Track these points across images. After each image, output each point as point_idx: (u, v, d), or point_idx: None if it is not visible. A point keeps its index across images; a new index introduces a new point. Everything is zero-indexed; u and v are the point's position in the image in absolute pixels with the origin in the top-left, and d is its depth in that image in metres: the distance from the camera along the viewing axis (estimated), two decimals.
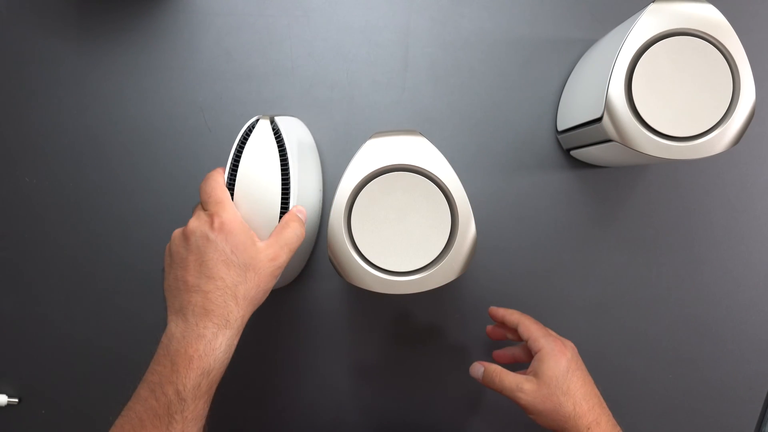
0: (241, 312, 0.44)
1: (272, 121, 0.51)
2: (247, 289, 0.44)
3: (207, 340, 0.42)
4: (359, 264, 0.47)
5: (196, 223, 0.45)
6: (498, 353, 0.58)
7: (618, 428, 0.49)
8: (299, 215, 0.49)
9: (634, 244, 0.61)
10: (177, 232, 0.47)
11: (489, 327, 0.58)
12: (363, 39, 0.61)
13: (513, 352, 0.57)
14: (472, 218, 0.47)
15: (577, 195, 0.61)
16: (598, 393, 0.50)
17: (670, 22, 0.45)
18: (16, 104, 0.63)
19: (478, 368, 0.53)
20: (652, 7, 0.46)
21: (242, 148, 0.50)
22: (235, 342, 0.45)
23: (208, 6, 0.62)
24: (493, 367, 0.51)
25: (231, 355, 0.44)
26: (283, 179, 0.50)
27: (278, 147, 0.50)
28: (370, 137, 0.49)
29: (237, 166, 0.50)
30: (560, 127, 0.59)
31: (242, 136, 0.50)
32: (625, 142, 0.46)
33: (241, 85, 0.61)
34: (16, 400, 0.64)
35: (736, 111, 0.45)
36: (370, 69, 0.61)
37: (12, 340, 0.64)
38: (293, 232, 0.48)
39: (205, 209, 0.47)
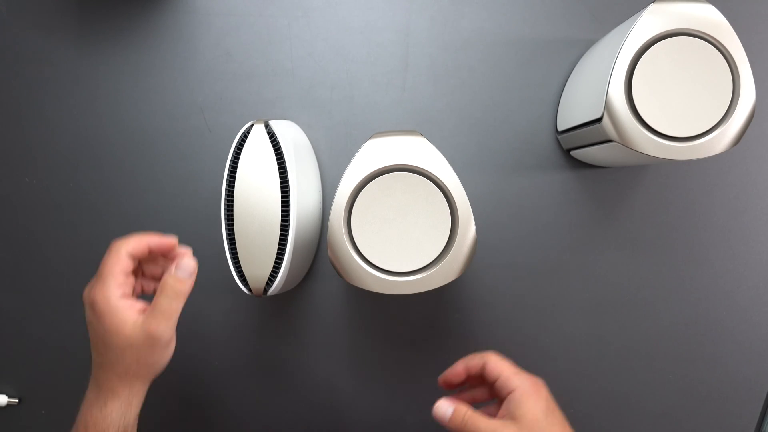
0: (125, 387, 0.45)
1: (267, 126, 0.51)
2: (126, 367, 0.44)
3: (98, 407, 0.44)
4: (359, 264, 0.47)
5: (84, 295, 0.45)
6: (447, 381, 0.52)
7: None
8: (178, 273, 0.45)
9: (634, 244, 0.61)
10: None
11: (441, 378, 0.51)
12: (363, 39, 0.61)
13: (472, 392, 0.51)
14: (472, 218, 0.47)
15: (577, 195, 0.61)
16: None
17: (670, 22, 0.45)
18: (16, 104, 0.63)
19: (445, 408, 0.46)
20: (652, 7, 0.46)
21: (238, 154, 0.50)
22: (129, 411, 0.45)
23: (208, 6, 0.62)
24: (464, 408, 0.45)
25: (130, 422, 0.45)
26: (281, 183, 0.50)
27: (275, 151, 0.50)
28: (370, 137, 0.49)
29: (234, 174, 0.50)
30: (560, 128, 0.59)
31: (238, 142, 0.51)
32: (625, 143, 0.46)
33: (241, 85, 0.61)
34: (16, 400, 0.64)
35: (736, 111, 0.45)
36: (370, 69, 0.61)
37: (12, 340, 0.64)
38: (169, 297, 0.44)
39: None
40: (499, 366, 0.47)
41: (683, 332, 0.61)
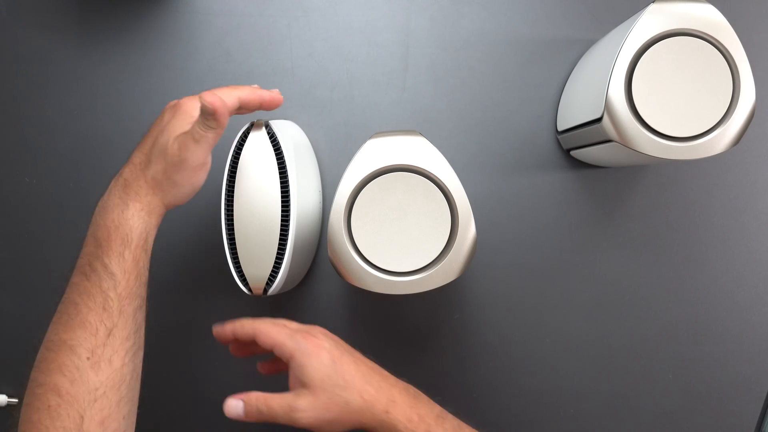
0: (150, 192, 0.44)
1: (267, 125, 0.51)
2: (155, 173, 0.44)
3: (120, 209, 0.43)
4: (359, 264, 0.47)
5: (181, 101, 0.46)
6: (262, 364, 0.51)
7: (420, 395, 0.45)
8: (204, 101, 0.43)
9: (634, 244, 0.61)
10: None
11: (214, 330, 0.48)
12: (363, 39, 0.61)
13: (275, 362, 0.50)
14: (472, 218, 0.47)
15: (577, 195, 0.61)
16: (378, 367, 0.45)
17: (670, 22, 0.45)
18: (16, 104, 0.63)
19: (235, 404, 0.44)
20: (652, 7, 0.46)
21: (238, 154, 0.50)
22: (150, 221, 0.44)
23: (208, 6, 0.62)
24: (253, 396, 0.43)
25: (149, 233, 0.44)
26: (281, 182, 0.50)
27: (275, 151, 0.50)
28: (370, 137, 0.49)
29: (234, 174, 0.50)
30: (560, 128, 0.59)
31: (238, 142, 0.51)
32: (625, 143, 0.46)
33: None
34: (16, 400, 0.64)
35: (736, 111, 0.45)
36: (370, 69, 0.61)
37: (12, 340, 0.64)
38: (202, 128, 0.43)
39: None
40: (270, 334, 0.44)
41: (683, 332, 0.61)
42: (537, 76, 0.61)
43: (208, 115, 0.42)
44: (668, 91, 0.45)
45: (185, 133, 0.44)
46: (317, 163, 0.61)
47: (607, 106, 0.46)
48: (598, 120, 0.47)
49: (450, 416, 0.46)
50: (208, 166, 0.46)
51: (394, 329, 0.63)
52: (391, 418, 0.43)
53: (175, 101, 0.47)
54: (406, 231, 0.47)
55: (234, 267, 0.51)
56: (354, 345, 0.63)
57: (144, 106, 0.62)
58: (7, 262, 0.64)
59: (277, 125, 0.52)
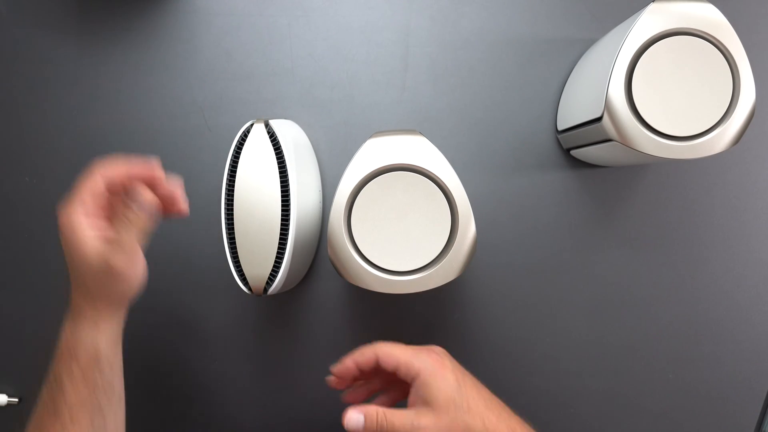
0: (91, 308, 0.44)
1: (267, 125, 0.51)
2: (87, 288, 0.44)
3: (71, 327, 0.44)
4: (359, 264, 0.47)
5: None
6: (352, 395, 0.50)
7: (527, 426, 0.44)
8: (135, 207, 0.43)
9: (634, 244, 0.61)
10: None
11: (332, 378, 0.48)
12: (363, 39, 0.61)
13: (368, 386, 0.50)
14: (472, 218, 0.47)
15: (577, 195, 0.61)
16: (491, 393, 0.45)
17: (670, 21, 0.45)
18: (16, 104, 0.63)
19: (357, 417, 0.43)
20: (652, 6, 0.46)
21: (238, 154, 0.50)
22: (99, 335, 0.44)
23: (208, 6, 0.62)
24: (372, 409, 0.42)
25: (105, 354, 0.44)
26: (281, 182, 0.50)
27: (275, 151, 0.50)
28: (370, 137, 0.49)
29: (234, 173, 0.50)
30: (560, 127, 0.59)
31: (238, 141, 0.51)
32: (625, 142, 0.46)
33: (241, 85, 0.61)
34: (16, 400, 0.64)
35: (736, 111, 0.45)
36: (370, 69, 0.61)
37: (12, 340, 0.64)
38: (125, 231, 0.43)
39: None
40: (393, 354, 0.44)
41: (683, 332, 0.61)
42: (537, 76, 0.61)
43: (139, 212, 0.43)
44: (668, 90, 0.45)
45: (102, 246, 0.43)
46: (317, 163, 0.61)
47: (607, 106, 0.46)
48: (598, 119, 0.47)
49: None
50: (141, 255, 0.45)
51: (394, 329, 0.63)
52: None
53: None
54: (406, 231, 0.47)
55: (234, 266, 0.51)
56: (354, 345, 0.63)
57: (144, 106, 0.62)
58: (7, 262, 0.64)
59: (277, 125, 0.52)
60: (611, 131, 0.46)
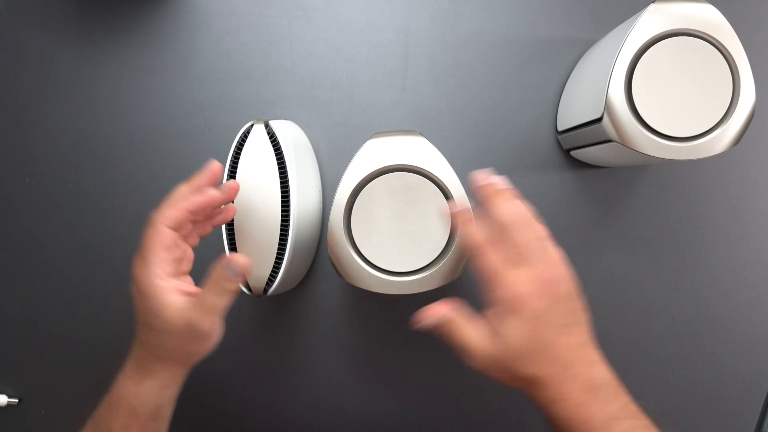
0: (164, 369, 0.43)
1: (267, 125, 0.51)
2: (165, 350, 0.43)
3: (134, 382, 0.43)
4: (359, 264, 0.47)
5: (132, 270, 0.44)
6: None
7: (611, 392, 0.40)
8: (227, 272, 0.42)
9: (634, 244, 0.61)
10: None
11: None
12: (363, 39, 0.61)
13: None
14: (472, 218, 0.47)
15: (577, 195, 0.61)
16: (571, 342, 0.41)
17: (670, 22, 0.45)
18: (16, 104, 0.63)
19: (438, 314, 0.42)
20: (652, 7, 0.46)
21: (239, 154, 0.50)
22: (167, 393, 0.44)
23: (208, 6, 0.62)
24: (457, 321, 0.42)
25: (165, 403, 0.45)
26: (281, 182, 0.50)
27: (275, 151, 0.50)
28: (370, 137, 0.49)
29: (234, 174, 0.50)
30: (560, 128, 0.59)
31: (238, 142, 0.51)
32: (625, 143, 0.46)
33: (241, 85, 0.61)
34: (16, 400, 0.64)
35: (736, 111, 0.45)
36: (370, 69, 0.61)
37: (12, 340, 0.64)
38: (217, 293, 0.42)
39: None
40: (485, 257, 0.41)
41: (683, 332, 0.61)
42: (537, 76, 0.61)
43: (230, 277, 0.42)
44: (668, 91, 0.45)
45: (187, 308, 0.42)
46: (317, 163, 0.61)
47: (607, 106, 0.46)
48: (598, 120, 0.47)
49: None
50: (217, 328, 0.44)
51: (394, 329, 0.63)
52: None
53: (132, 270, 0.43)
54: (407, 231, 0.47)
55: None
56: (353, 345, 0.63)
57: (144, 106, 0.62)
58: (7, 262, 0.64)
59: (277, 125, 0.52)
60: (611, 132, 0.46)
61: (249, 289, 0.52)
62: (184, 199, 0.44)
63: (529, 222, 0.42)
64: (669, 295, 0.61)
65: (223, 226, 0.51)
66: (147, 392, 0.43)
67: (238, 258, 0.42)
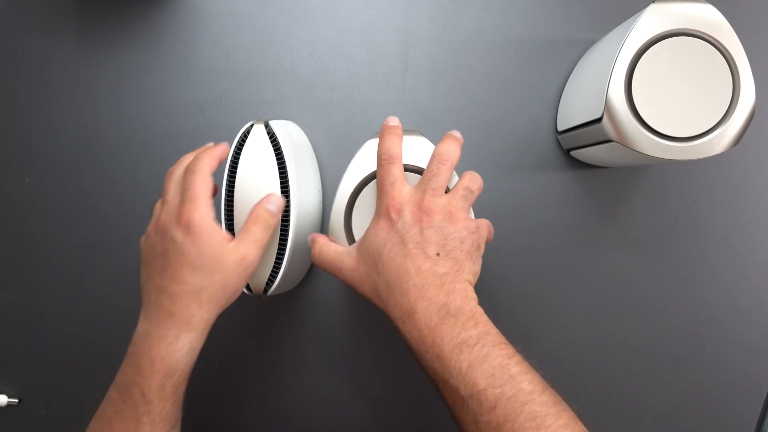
0: (205, 315, 0.43)
1: (267, 126, 0.51)
2: (212, 292, 0.43)
3: (168, 341, 0.42)
4: None
5: (165, 219, 0.44)
6: None
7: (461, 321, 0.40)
8: (269, 206, 0.46)
9: (634, 244, 0.61)
10: (151, 226, 0.46)
11: None
12: (363, 39, 0.61)
13: None
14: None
15: (577, 195, 0.61)
16: (435, 270, 0.40)
17: (670, 22, 0.45)
18: (15, 104, 0.63)
19: (309, 240, 0.48)
20: (652, 7, 0.46)
21: (238, 154, 0.50)
22: (199, 344, 0.44)
23: (208, 6, 0.62)
24: (321, 241, 0.47)
25: (195, 357, 0.44)
26: (281, 183, 0.50)
27: (275, 151, 0.50)
28: (370, 137, 0.49)
29: (234, 173, 0.50)
30: (560, 128, 0.59)
31: (238, 142, 0.51)
32: (624, 143, 0.46)
33: (241, 85, 0.61)
34: (16, 400, 0.64)
35: (736, 111, 0.45)
36: (370, 69, 0.61)
37: (12, 340, 0.64)
38: (262, 227, 0.45)
39: (177, 200, 0.44)
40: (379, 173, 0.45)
41: (683, 332, 0.61)
42: (537, 76, 0.61)
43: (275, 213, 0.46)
44: (668, 91, 0.45)
45: (237, 243, 0.44)
46: (317, 163, 0.61)
47: (607, 106, 0.46)
48: (598, 120, 0.47)
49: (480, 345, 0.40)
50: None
51: (394, 329, 0.63)
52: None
53: (168, 219, 0.44)
54: None
55: None
56: (353, 345, 0.63)
57: (144, 106, 0.62)
58: (7, 262, 0.64)
59: (277, 125, 0.52)
60: (611, 132, 0.46)
61: (249, 289, 0.52)
62: (212, 151, 0.47)
63: (453, 166, 0.45)
64: (669, 295, 0.61)
65: (223, 227, 0.51)
66: (183, 348, 0.43)
67: (276, 196, 0.47)
